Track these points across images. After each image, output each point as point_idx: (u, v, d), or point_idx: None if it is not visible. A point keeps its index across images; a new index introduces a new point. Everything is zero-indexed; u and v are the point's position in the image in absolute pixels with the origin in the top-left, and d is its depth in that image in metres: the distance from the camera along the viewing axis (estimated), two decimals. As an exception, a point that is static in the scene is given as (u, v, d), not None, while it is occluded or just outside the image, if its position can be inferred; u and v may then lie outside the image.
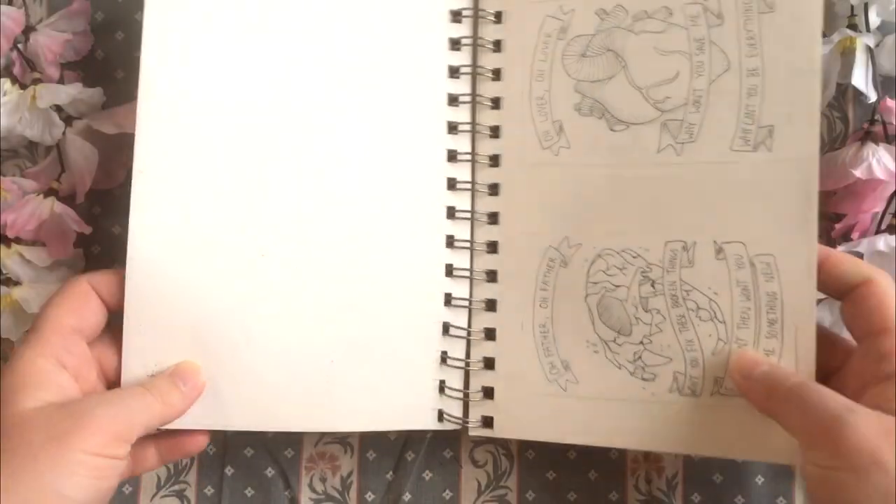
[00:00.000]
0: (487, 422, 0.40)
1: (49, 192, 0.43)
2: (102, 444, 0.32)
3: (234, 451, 0.45)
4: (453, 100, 0.41)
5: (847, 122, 0.44)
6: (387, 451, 0.45)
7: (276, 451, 0.45)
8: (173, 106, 0.39)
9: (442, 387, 0.41)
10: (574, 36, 0.40)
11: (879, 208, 0.41)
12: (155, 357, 0.38)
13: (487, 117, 0.42)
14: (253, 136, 0.39)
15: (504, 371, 0.41)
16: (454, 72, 0.42)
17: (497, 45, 0.42)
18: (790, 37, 0.37)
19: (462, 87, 0.42)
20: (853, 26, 0.42)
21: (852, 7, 0.42)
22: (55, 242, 0.43)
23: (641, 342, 0.38)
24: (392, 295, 0.40)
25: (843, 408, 0.31)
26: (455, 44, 0.42)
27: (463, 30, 0.42)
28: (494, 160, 0.41)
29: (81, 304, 0.36)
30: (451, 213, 0.41)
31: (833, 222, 0.43)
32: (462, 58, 0.42)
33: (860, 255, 0.40)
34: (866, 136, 0.41)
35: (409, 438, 0.44)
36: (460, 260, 0.41)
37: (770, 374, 0.35)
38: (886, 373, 0.32)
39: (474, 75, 0.42)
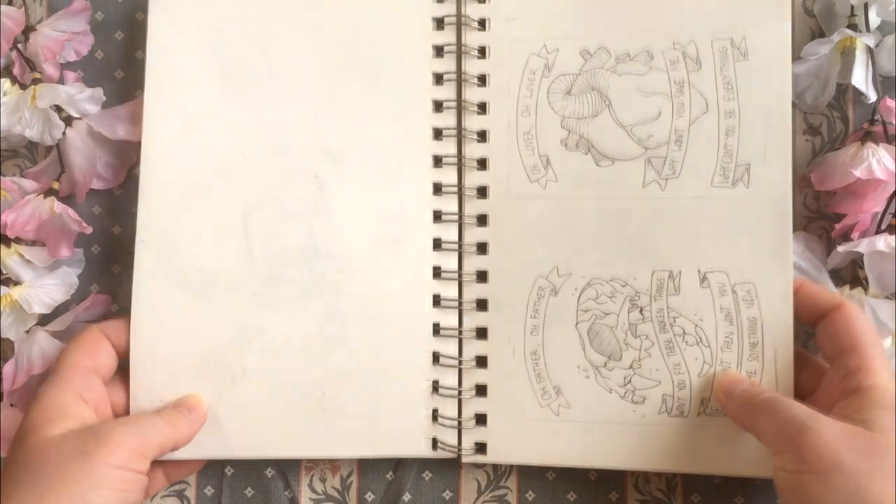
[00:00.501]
0: (481, 448, 0.42)
1: (49, 193, 0.43)
2: (125, 458, 0.36)
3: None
4: (438, 133, 0.42)
5: (847, 122, 0.44)
6: (387, 450, 0.45)
7: (277, 451, 0.45)
8: (172, 158, 0.42)
9: (435, 415, 0.42)
10: (559, 74, 0.42)
11: (879, 208, 0.41)
12: (160, 392, 0.41)
13: (474, 150, 0.42)
14: (248, 179, 0.42)
15: (496, 397, 0.42)
16: (438, 106, 0.43)
17: (482, 80, 0.43)
18: (763, 82, 0.40)
19: (447, 120, 0.43)
20: (853, 26, 0.42)
21: (852, 7, 0.42)
22: (55, 242, 0.43)
23: (631, 366, 0.41)
24: (381, 326, 0.42)
25: (808, 416, 0.34)
26: (439, 78, 0.43)
27: (447, 64, 0.43)
28: (482, 192, 0.42)
29: (95, 348, 0.40)
30: (438, 244, 0.42)
31: (833, 222, 0.43)
32: (447, 92, 0.43)
33: (860, 255, 0.40)
34: (866, 136, 0.41)
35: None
36: (448, 290, 0.42)
37: (748, 390, 0.38)
38: (852, 387, 0.35)
39: (459, 108, 0.43)
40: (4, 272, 0.43)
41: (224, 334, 0.41)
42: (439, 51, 0.43)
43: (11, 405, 0.43)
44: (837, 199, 0.42)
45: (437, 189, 0.42)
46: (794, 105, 0.44)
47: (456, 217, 0.42)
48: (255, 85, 0.42)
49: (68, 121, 0.44)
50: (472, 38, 0.43)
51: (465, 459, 0.42)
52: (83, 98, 0.43)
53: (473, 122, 0.42)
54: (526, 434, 0.41)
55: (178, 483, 0.44)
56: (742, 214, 0.40)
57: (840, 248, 0.41)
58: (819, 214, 0.44)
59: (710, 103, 0.41)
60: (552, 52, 0.42)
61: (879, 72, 0.42)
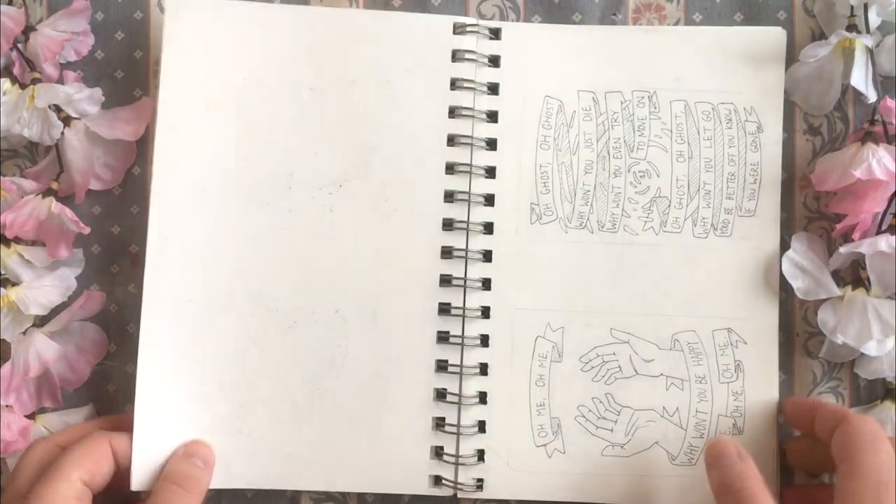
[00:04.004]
0: (479, 484, 0.42)
1: (48, 193, 0.43)
2: None
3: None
4: (450, 168, 0.43)
5: (847, 122, 0.44)
6: (387, 451, 0.45)
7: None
8: (181, 191, 0.42)
9: (439, 452, 0.42)
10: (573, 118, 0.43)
11: (880, 208, 0.41)
12: (165, 438, 0.41)
13: (482, 186, 0.43)
14: (257, 211, 0.42)
15: (496, 434, 0.42)
16: (451, 140, 0.43)
17: (493, 116, 0.43)
18: (758, 146, 0.43)
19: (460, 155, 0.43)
20: (853, 27, 0.42)
21: (852, 7, 0.42)
22: (54, 242, 0.43)
23: (631, 419, 0.42)
24: (384, 362, 0.42)
25: None
26: (452, 112, 0.43)
27: (461, 98, 0.43)
28: (488, 228, 0.43)
29: (97, 464, 0.39)
30: (446, 280, 0.42)
31: (833, 222, 0.43)
32: (460, 126, 0.43)
33: (862, 256, 0.40)
34: (866, 137, 0.41)
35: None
36: (454, 327, 0.42)
37: (728, 469, 0.38)
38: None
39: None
40: (3, 272, 0.43)
41: (228, 371, 0.41)
42: (453, 83, 0.43)
43: (7, 407, 0.43)
44: (838, 200, 0.42)
45: (448, 224, 0.42)
46: (794, 105, 0.44)
47: (463, 252, 0.42)
48: (265, 122, 0.43)
49: (67, 121, 0.44)
50: (483, 76, 0.43)
51: (461, 495, 0.42)
52: (82, 98, 0.43)
53: (482, 159, 0.43)
54: (524, 471, 0.42)
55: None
56: (731, 265, 0.42)
57: (842, 250, 0.41)
58: (819, 214, 0.44)
59: (714, 163, 0.43)
60: (565, 96, 0.43)
61: (879, 72, 0.42)
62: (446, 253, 0.42)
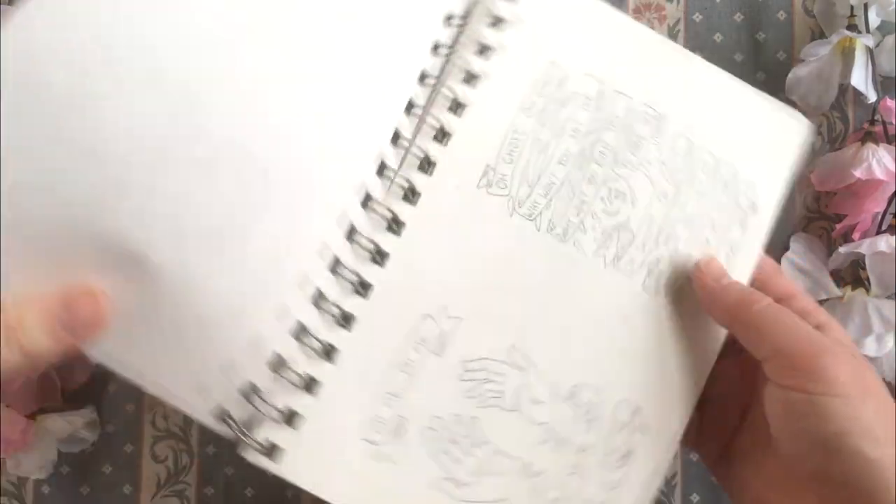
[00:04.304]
0: (272, 450, 0.31)
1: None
2: None
3: (235, 451, 0.45)
4: (422, 78, 0.34)
5: (847, 122, 0.44)
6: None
7: (276, 452, 0.44)
8: None
9: (254, 390, 0.31)
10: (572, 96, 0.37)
11: (880, 209, 0.41)
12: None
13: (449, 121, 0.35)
14: None
15: (324, 402, 0.32)
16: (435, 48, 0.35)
17: (485, 52, 0.36)
18: (745, 227, 0.37)
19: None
20: (853, 27, 0.42)
21: (852, 7, 0.42)
22: (54, 242, 0.43)
23: (492, 456, 0.34)
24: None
25: (824, 339, 0.31)
26: (448, 20, 0.36)
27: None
28: (428, 164, 0.34)
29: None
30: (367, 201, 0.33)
31: (833, 222, 0.43)
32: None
33: (862, 256, 0.40)
34: (866, 137, 0.41)
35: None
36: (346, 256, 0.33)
37: (731, 287, 0.34)
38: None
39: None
40: (3, 272, 0.43)
41: None
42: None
43: (8, 406, 0.43)
44: (838, 200, 0.42)
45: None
46: (794, 105, 0.44)
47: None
48: None
49: (67, 120, 0.44)
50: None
51: (243, 452, 0.31)
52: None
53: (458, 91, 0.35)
54: (331, 459, 0.33)
55: (178, 483, 0.44)
56: (668, 339, 0.35)
57: (842, 249, 0.41)
58: (819, 214, 0.44)
59: (692, 211, 0.36)
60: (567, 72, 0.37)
61: (879, 72, 0.42)
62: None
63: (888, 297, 0.41)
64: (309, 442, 0.32)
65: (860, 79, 0.41)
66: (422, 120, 0.34)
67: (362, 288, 0.33)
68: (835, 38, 0.41)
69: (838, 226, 0.42)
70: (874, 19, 0.42)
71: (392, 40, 0.34)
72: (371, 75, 0.33)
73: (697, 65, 0.37)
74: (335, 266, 0.32)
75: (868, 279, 0.41)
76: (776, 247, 0.43)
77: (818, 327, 0.32)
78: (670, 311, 0.35)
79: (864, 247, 0.40)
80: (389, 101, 0.34)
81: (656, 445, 0.35)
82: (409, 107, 0.34)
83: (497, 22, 0.35)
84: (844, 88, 0.43)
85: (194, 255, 0.30)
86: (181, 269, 0.29)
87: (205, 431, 0.45)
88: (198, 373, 0.31)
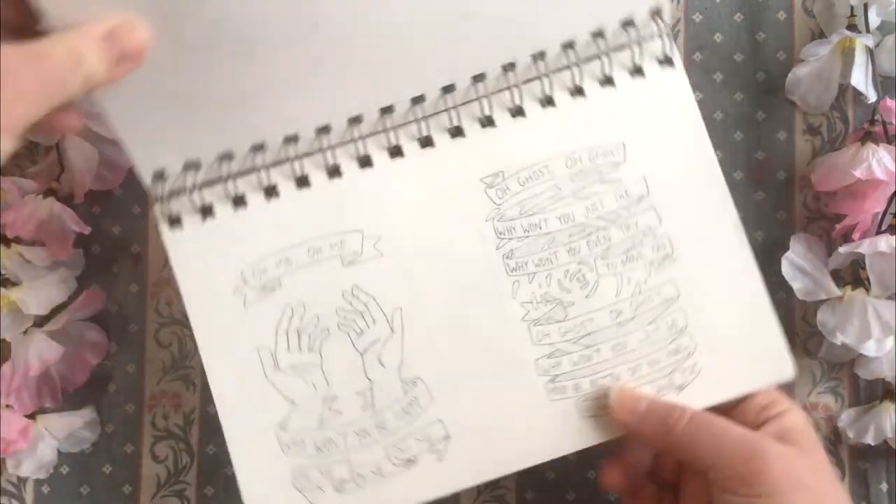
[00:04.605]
0: (175, 222, 0.37)
1: (48, 193, 0.43)
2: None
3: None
4: None
5: (847, 123, 0.44)
6: (387, 451, 0.44)
7: (276, 452, 0.44)
8: None
9: (196, 168, 0.36)
10: None
11: (880, 209, 0.41)
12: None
13: None
14: None
15: (233, 225, 0.37)
16: None
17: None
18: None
19: None
20: (853, 27, 0.42)
21: (852, 7, 0.42)
22: (54, 242, 0.43)
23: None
24: None
25: (755, 436, 0.33)
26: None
27: None
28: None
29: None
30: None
31: (833, 223, 0.43)
32: None
33: (862, 256, 0.40)
34: (866, 137, 0.41)
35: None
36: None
37: (656, 405, 0.35)
38: (762, 419, 0.35)
39: None
40: (4, 272, 0.43)
41: None
42: None
43: (8, 406, 0.43)
44: (838, 200, 0.42)
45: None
46: (794, 105, 0.44)
47: None
48: None
49: (67, 121, 0.44)
50: None
51: (156, 213, 0.37)
52: (83, 98, 0.43)
53: None
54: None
55: (178, 483, 0.44)
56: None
57: (842, 250, 0.41)
58: (819, 215, 0.44)
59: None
60: None
61: (879, 72, 0.42)
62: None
63: (888, 298, 0.41)
64: (207, 237, 0.36)
65: (860, 79, 0.41)
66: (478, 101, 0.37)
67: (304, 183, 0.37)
68: (835, 38, 0.41)
69: (838, 226, 0.42)
70: (874, 19, 0.42)
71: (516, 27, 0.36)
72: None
73: (738, 248, 0.37)
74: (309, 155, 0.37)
75: (868, 279, 0.41)
76: (776, 247, 0.43)
77: (777, 416, 0.34)
78: (542, 399, 0.36)
79: (864, 247, 0.39)
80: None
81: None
82: (450, 89, 0.37)
83: (606, 81, 0.37)
84: (844, 88, 0.43)
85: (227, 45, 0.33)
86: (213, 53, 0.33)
87: (205, 431, 0.45)
88: (177, 138, 0.35)
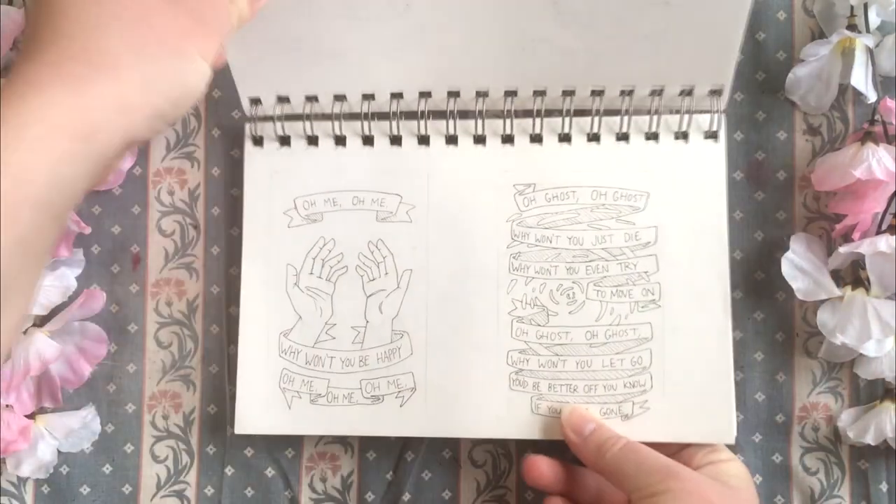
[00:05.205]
0: (257, 140, 0.43)
1: (48, 192, 0.43)
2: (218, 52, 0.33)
3: (234, 451, 0.45)
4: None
5: (847, 123, 0.44)
6: (387, 451, 0.45)
7: (277, 451, 0.45)
8: None
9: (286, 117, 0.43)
10: None
11: (880, 209, 0.41)
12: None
13: None
14: None
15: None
16: None
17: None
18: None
19: None
20: (853, 26, 0.42)
21: (852, 7, 0.42)
22: (54, 242, 0.43)
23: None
24: None
25: (672, 462, 0.36)
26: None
27: None
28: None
29: None
30: None
31: (833, 222, 0.43)
32: None
33: (862, 256, 0.40)
34: (866, 137, 0.41)
35: (408, 439, 0.44)
36: None
37: (599, 433, 0.38)
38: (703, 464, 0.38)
39: None
40: (3, 272, 0.43)
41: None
42: None
43: (8, 406, 0.43)
44: (837, 200, 0.42)
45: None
46: (794, 105, 0.44)
47: None
48: None
49: (67, 120, 0.43)
50: None
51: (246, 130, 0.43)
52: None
53: None
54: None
55: (178, 483, 0.44)
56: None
57: (841, 250, 0.41)
58: (819, 214, 0.44)
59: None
60: None
61: (879, 72, 0.42)
62: None
63: (888, 298, 0.41)
64: (279, 161, 0.43)
65: (860, 79, 0.41)
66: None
67: (369, 142, 0.43)
68: (835, 38, 0.41)
69: (838, 226, 0.42)
70: (874, 19, 0.42)
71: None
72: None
73: (720, 316, 0.40)
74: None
75: (868, 279, 0.41)
76: (776, 247, 0.43)
77: (718, 462, 0.37)
78: (503, 384, 0.41)
79: (864, 247, 0.39)
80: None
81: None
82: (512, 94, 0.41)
83: (651, 136, 0.42)
84: (844, 88, 0.43)
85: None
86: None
87: (205, 431, 0.45)
88: (275, 75, 0.42)
